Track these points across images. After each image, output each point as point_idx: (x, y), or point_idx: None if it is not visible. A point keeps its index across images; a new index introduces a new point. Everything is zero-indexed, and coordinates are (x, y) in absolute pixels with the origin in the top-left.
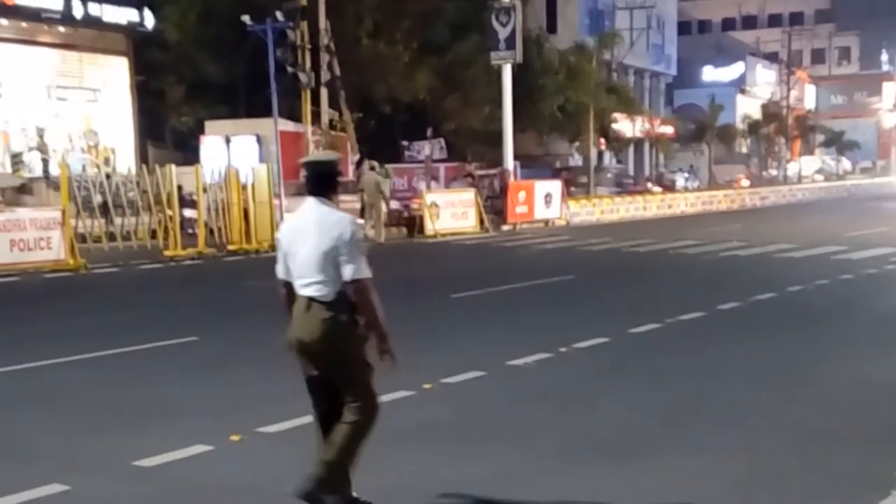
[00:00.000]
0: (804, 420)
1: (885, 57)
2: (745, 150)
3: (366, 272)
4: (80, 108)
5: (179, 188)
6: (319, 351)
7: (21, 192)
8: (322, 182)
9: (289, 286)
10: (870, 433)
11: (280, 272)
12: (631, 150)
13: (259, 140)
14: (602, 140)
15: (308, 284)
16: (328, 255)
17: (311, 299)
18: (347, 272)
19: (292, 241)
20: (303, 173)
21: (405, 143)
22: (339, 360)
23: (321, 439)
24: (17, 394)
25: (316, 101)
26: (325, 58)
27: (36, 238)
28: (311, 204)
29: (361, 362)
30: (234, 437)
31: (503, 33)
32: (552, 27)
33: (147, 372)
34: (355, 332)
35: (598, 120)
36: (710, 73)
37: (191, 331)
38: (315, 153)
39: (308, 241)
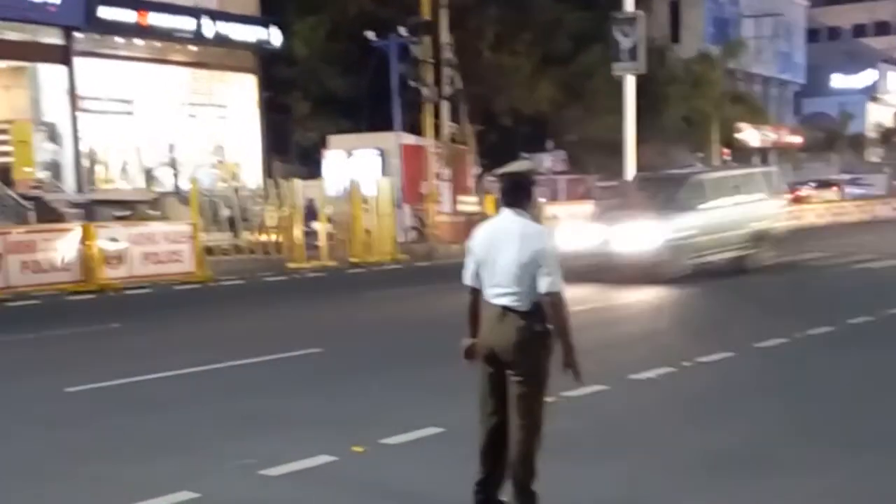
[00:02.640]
0: None
1: None
2: (876, 159)
3: (561, 285)
4: (210, 125)
5: (310, 201)
6: (511, 359)
7: (153, 207)
8: (518, 193)
9: (475, 292)
10: None
11: (468, 279)
12: (756, 160)
13: (382, 154)
14: (726, 150)
15: (504, 294)
16: (527, 267)
17: (505, 308)
18: (545, 284)
19: (488, 249)
20: (497, 184)
21: (526, 155)
22: (528, 368)
23: (486, 452)
24: (147, 402)
25: (438, 114)
26: (447, 71)
27: (167, 251)
28: (507, 214)
29: (546, 373)
30: (357, 449)
31: (626, 43)
32: (676, 36)
33: (271, 382)
34: (547, 343)
35: (722, 130)
36: (839, 81)
37: (314, 342)
38: (510, 164)
39: (507, 251)
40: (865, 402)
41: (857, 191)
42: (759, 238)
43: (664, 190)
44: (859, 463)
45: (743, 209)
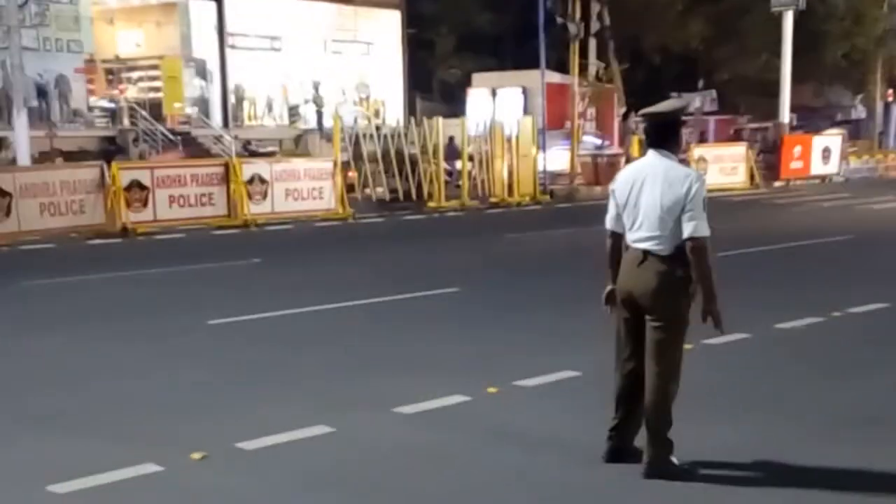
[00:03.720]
0: None
1: None
2: None
3: (706, 230)
4: (354, 62)
5: (451, 139)
6: (650, 304)
7: (297, 144)
8: (664, 134)
9: (616, 237)
10: None
11: (610, 223)
12: None
13: (525, 92)
14: (890, 91)
15: (646, 238)
16: (671, 210)
17: (646, 252)
18: (689, 229)
19: (631, 192)
20: (643, 124)
21: (675, 94)
22: (667, 314)
23: (621, 398)
24: (286, 337)
25: (585, 52)
26: (595, 7)
27: (309, 188)
28: (652, 156)
29: (685, 320)
30: (492, 389)
31: None
32: None
33: (407, 321)
34: (688, 290)
35: (886, 69)
36: None
37: (452, 282)
38: (658, 104)
39: (650, 194)
40: None
41: None
42: None
43: None
44: None
45: None
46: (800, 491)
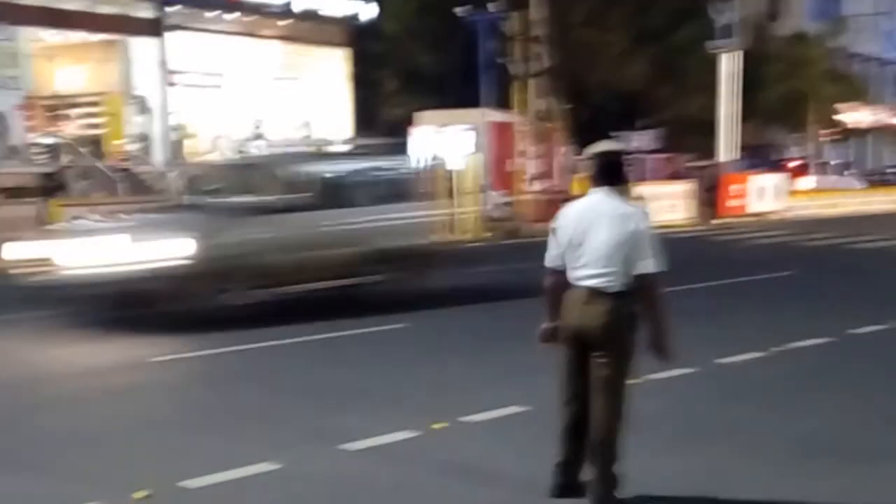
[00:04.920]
0: None
1: None
2: None
3: (659, 266)
4: (298, 99)
5: None
6: (600, 340)
7: None
8: (609, 172)
9: (557, 274)
10: None
11: (551, 260)
12: (853, 142)
13: (467, 130)
14: (827, 132)
15: (592, 276)
16: (620, 247)
17: (593, 290)
18: (642, 266)
19: (577, 230)
20: (588, 163)
21: (615, 133)
22: (616, 350)
23: (566, 434)
24: (230, 374)
25: (527, 91)
26: (536, 48)
27: None
28: (598, 195)
29: (633, 356)
30: (439, 425)
31: (723, 20)
32: (774, 13)
33: (354, 357)
34: (635, 325)
35: (821, 110)
36: None
37: (398, 318)
38: (600, 143)
39: (599, 232)
40: None
41: None
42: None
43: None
44: None
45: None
46: None
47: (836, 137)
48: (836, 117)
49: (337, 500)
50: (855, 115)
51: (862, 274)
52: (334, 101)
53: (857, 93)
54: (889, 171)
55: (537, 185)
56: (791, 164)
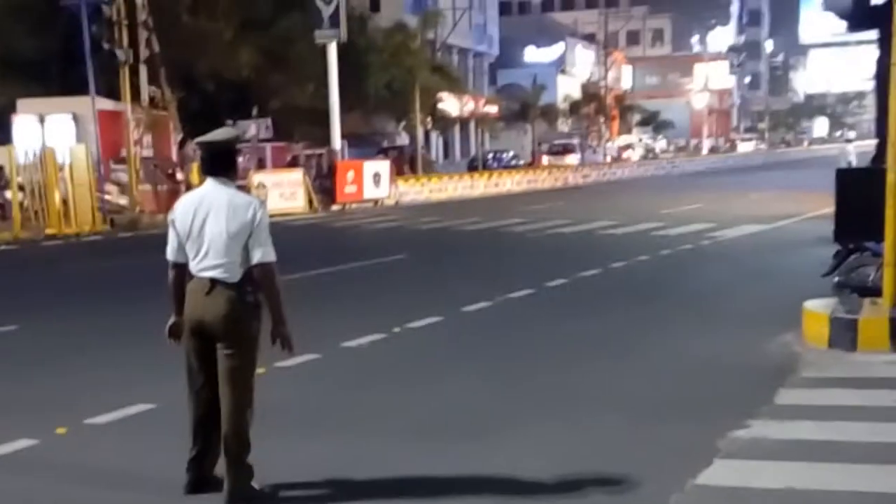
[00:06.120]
0: (632, 394)
1: (695, 39)
2: (566, 128)
3: (272, 255)
4: None
5: (0, 168)
6: (222, 331)
7: None
8: (221, 161)
9: (179, 267)
10: (693, 405)
11: (172, 254)
12: (457, 129)
13: (75, 119)
14: (429, 119)
15: (212, 266)
16: (237, 237)
17: (214, 280)
18: (257, 255)
19: (194, 221)
20: (198, 153)
21: (230, 122)
22: (239, 340)
23: (197, 429)
24: None
25: (137, 78)
26: (143, 34)
27: None
28: (211, 184)
29: (257, 345)
30: (61, 430)
31: (327, 11)
32: (375, 5)
33: None
34: (258, 315)
35: (424, 99)
36: (532, 54)
37: (9, 320)
38: (213, 132)
39: (215, 222)
40: (562, 358)
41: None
42: None
43: None
44: (563, 415)
45: None
46: (380, 502)
47: (439, 125)
48: (439, 106)
49: None
50: (455, 105)
51: (468, 255)
52: None
53: (455, 83)
54: (489, 157)
55: (155, 175)
56: (391, 152)
